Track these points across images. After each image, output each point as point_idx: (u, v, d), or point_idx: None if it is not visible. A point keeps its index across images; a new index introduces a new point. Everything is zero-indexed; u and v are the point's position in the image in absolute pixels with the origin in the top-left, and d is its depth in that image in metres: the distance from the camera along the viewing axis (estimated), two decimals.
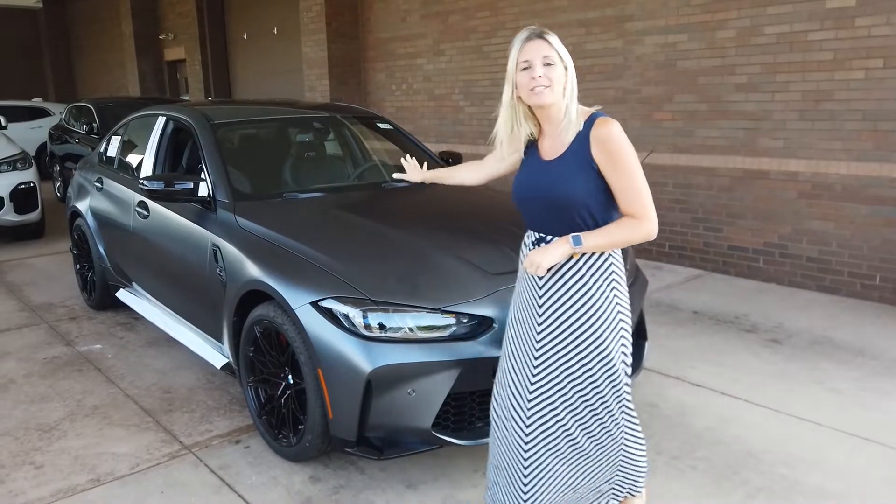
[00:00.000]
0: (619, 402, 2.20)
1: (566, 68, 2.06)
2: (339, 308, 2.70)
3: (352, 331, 2.66)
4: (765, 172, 5.59)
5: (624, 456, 2.30)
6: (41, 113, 13.32)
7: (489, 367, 2.66)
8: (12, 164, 7.49)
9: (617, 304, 2.14)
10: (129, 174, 4.69)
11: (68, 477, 2.98)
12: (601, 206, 2.08)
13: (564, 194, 2.07)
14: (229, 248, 3.30)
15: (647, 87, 6.33)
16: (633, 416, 2.27)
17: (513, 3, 7.51)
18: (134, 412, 3.57)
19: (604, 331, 2.11)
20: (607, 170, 2.04)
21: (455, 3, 8.19)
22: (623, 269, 2.19)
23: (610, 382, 2.16)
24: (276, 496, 2.81)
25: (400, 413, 2.67)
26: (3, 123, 9.27)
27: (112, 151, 5.14)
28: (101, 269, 5.00)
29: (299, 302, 2.78)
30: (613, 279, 2.13)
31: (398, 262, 2.95)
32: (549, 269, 2.11)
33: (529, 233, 2.26)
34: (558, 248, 2.06)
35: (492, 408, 2.32)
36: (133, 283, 4.64)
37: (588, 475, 2.26)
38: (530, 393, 2.17)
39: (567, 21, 6.87)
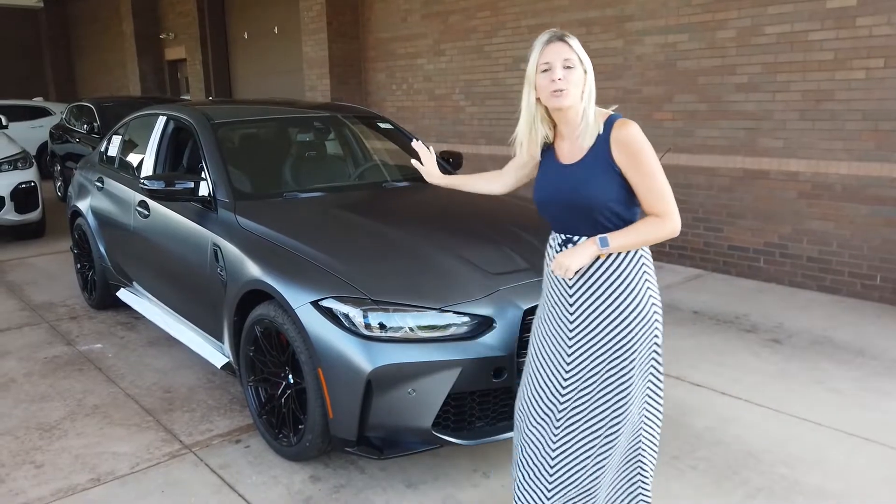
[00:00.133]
0: (650, 399, 2.20)
1: (586, 71, 2.06)
2: (339, 308, 2.70)
3: (352, 330, 2.66)
4: (765, 172, 5.59)
5: (642, 455, 2.29)
6: (42, 112, 13.32)
7: (489, 366, 2.67)
8: (13, 163, 7.50)
9: (650, 296, 2.13)
10: (129, 174, 4.69)
11: (69, 476, 2.98)
12: (624, 206, 2.09)
13: (588, 197, 2.07)
14: (230, 248, 3.30)
15: (647, 87, 6.33)
16: (658, 417, 2.26)
17: (513, 3, 7.51)
18: (134, 411, 3.58)
19: (638, 328, 2.11)
20: (629, 171, 2.04)
21: (455, 3, 8.19)
22: (652, 263, 2.19)
23: (643, 380, 2.16)
24: (277, 495, 2.81)
25: (400, 413, 2.68)
26: (4, 123, 9.26)
27: (113, 151, 5.14)
28: (101, 269, 5.00)
29: (300, 301, 2.78)
30: (645, 273, 2.13)
31: (398, 262, 2.95)
32: (576, 272, 2.10)
33: (555, 235, 2.24)
34: (586, 250, 2.05)
35: (516, 409, 2.31)
36: (133, 283, 4.65)
37: (611, 474, 2.25)
38: (562, 396, 2.16)
39: (567, 21, 6.87)
